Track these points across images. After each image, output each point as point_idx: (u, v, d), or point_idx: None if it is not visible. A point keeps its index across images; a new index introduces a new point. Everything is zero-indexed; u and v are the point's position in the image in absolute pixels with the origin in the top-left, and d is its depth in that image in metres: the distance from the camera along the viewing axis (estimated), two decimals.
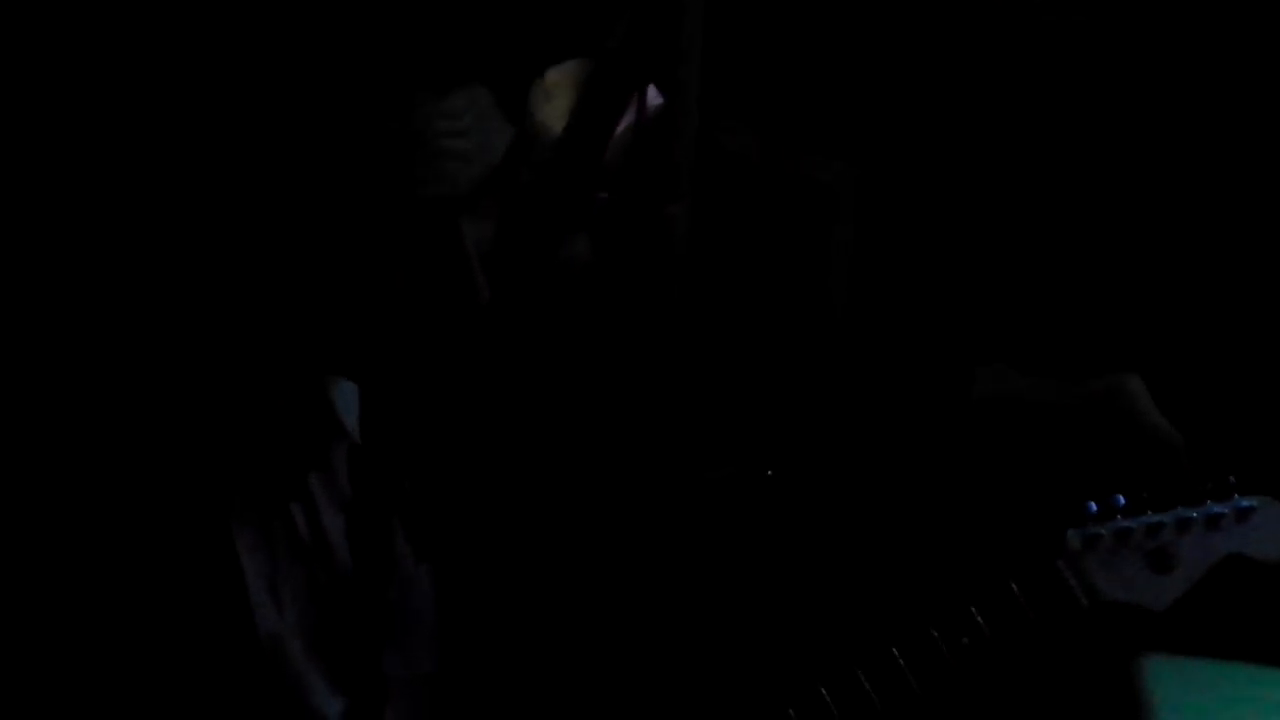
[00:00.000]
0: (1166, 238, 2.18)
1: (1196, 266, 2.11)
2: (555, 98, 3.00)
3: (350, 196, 1.22)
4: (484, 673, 1.51)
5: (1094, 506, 1.53)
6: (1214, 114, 2.14)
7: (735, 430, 1.63)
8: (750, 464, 1.84)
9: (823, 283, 2.64)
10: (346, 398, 1.41)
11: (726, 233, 2.74)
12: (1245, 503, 1.54)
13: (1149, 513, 1.53)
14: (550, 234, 2.78)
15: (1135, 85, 2.22)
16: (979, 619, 1.49)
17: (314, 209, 1.24)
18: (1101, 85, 2.26)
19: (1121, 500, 1.53)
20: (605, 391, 1.60)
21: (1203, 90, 2.16)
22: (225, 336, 1.36)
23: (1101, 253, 2.25)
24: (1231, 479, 1.54)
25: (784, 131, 2.70)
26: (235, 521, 1.36)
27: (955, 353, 1.58)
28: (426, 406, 1.46)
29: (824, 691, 1.48)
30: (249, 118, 1.22)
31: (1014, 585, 1.50)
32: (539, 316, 1.60)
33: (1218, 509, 1.53)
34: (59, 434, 1.32)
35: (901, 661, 1.48)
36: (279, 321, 1.33)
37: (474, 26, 1.23)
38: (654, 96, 2.86)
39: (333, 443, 1.41)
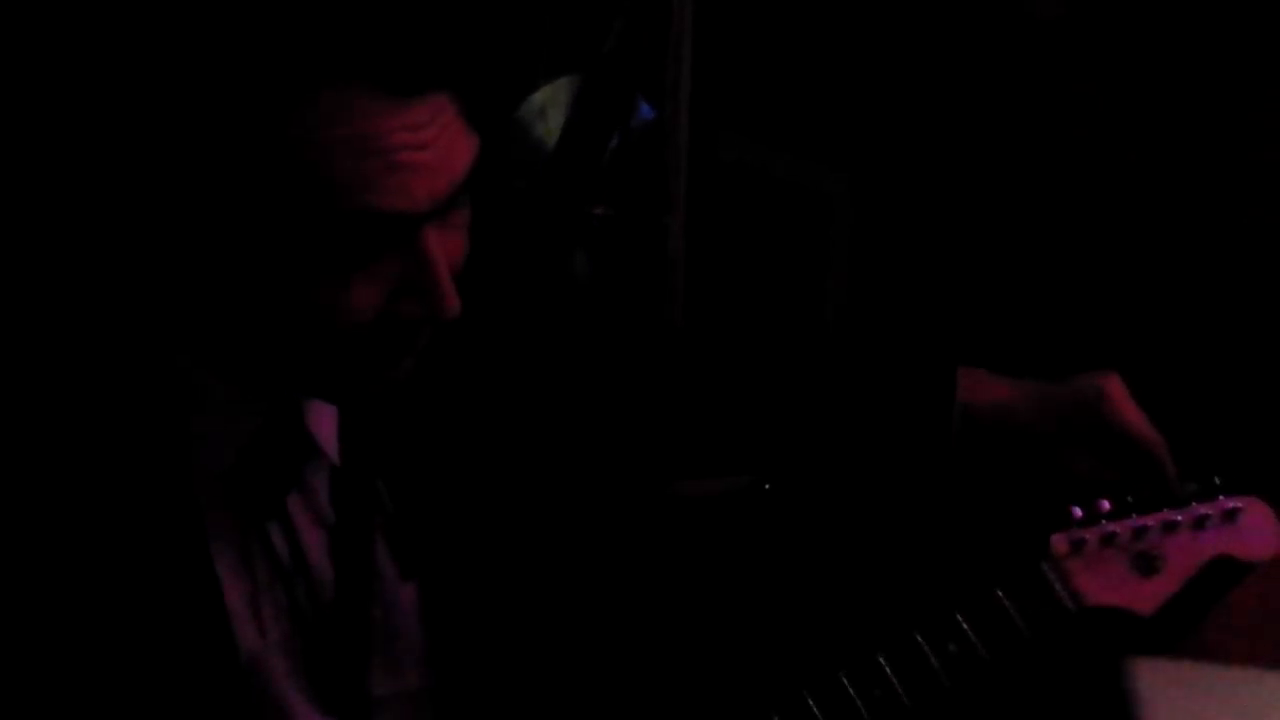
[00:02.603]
0: (1151, 239, 2.18)
1: (1179, 267, 2.11)
2: (549, 113, 3.02)
3: (308, 210, 1.21)
4: (474, 688, 1.49)
5: (1078, 510, 1.52)
6: (1193, 126, 2.13)
7: (732, 442, 1.62)
8: (748, 477, 1.84)
9: (819, 291, 2.65)
10: (320, 418, 1.41)
11: (722, 242, 2.75)
12: (1231, 503, 1.53)
13: (1134, 516, 1.52)
14: (549, 248, 2.80)
15: (1122, 97, 2.22)
16: (964, 625, 1.48)
17: (272, 224, 1.22)
18: (1092, 96, 2.26)
19: (1106, 504, 1.52)
20: (600, 404, 1.59)
21: (1183, 105, 2.15)
22: (190, 353, 1.35)
23: (1085, 252, 2.25)
24: (1217, 480, 1.54)
25: (779, 140, 2.70)
26: (213, 544, 1.35)
27: (945, 358, 1.57)
28: (407, 423, 1.46)
29: (809, 699, 1.47)
30: (200, 124, 1.20)
31: (999, 591, 1.49)
32: (534, 329, 1.61)
33: (1204, 510, 1.53)
34: (19, 447, 1.31)
35: (888, 669, 1.47)
36: (242, 341, 1.32)
37: (438, 32, 1.22)
38: (647, 111, 2.88)
39: (308, 463, 1.39)
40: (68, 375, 1.33)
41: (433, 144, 1.22)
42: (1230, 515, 1.53)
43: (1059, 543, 1.51)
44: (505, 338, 1.57)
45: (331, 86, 1.18)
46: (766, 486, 1.88)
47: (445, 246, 1.27)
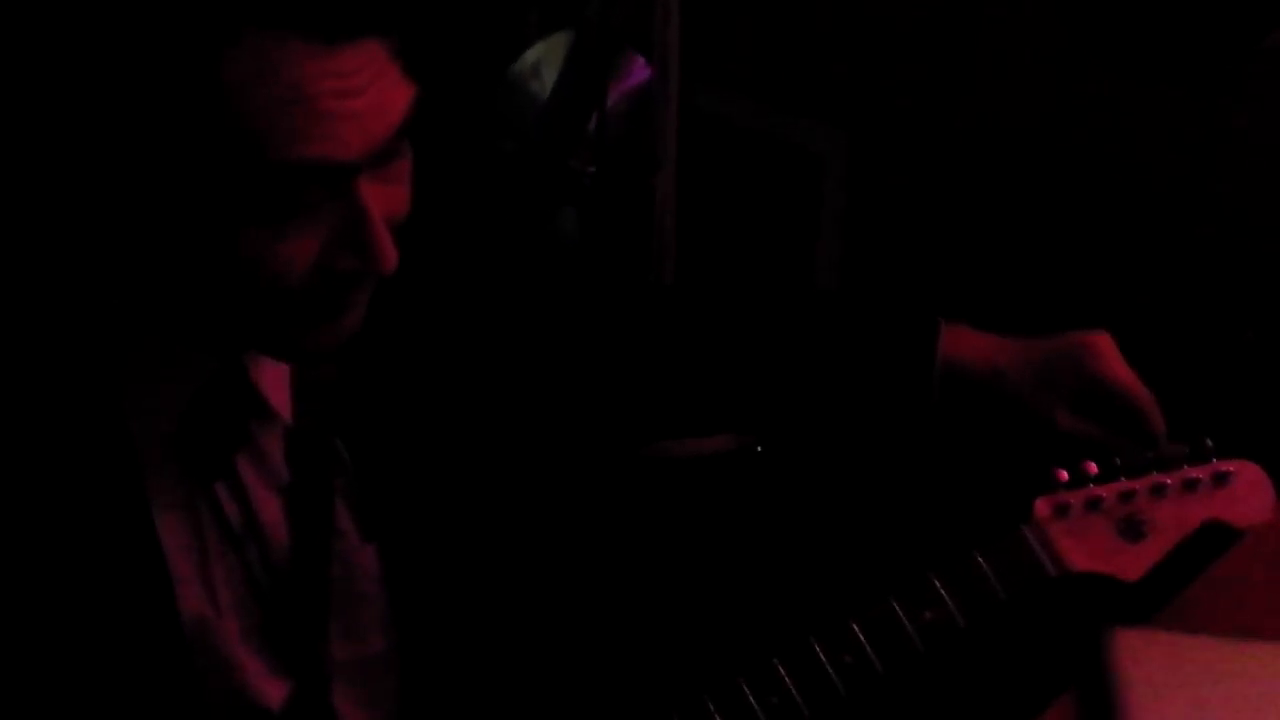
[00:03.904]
0: (1145, 200, 2.14)
1: (1172, 225, 2.07)
2: (543, 70, 2.99)
3: (236, 162, 1.16)
4: (438, 651, 1.46)
5: (1063, 473, 1.47)
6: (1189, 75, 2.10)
7: (718, 401, 1.59)
8: (734, 437, 1.82)
9: (808, 251, 2.61)
10: (271, 377, 1.36)
11: (713, 201, 2.71)
12: (1223, 467, 1.49)
13: (1121, 479, 1.47)
14: (538, 207, 2.77)
15: (1125, 54, 2.18)
16: (942, 591, 1.43)
17: (199, 176, 1.17)
18: (1095, 52, 2.22)
19: (1092, 467, 1.47)
20: (583, 361, 1.56)
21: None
22: (125, 311, 1.30)
23: (1080, 214, 2.21)
24: (1209, 442, 1.49)
25: (772, 97, 2.66)
26: (154, 504, 1.31)
27: (926, 312, 1.53)
28: (368, 380, 1.42)
29: (779, 666, 1.43)
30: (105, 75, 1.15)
31: (978, 555, 1.44)
32: (516, 285, 1.57)
33: (1194, 474, 1.48)
34: None
35: (862, 637, 1.43)
36: (177, 297, 1.27)
37: None
38: (641, 68, 2.84)
39: (257, 422, 1.35)
40: None
41: (364, 91, 1.17)
42: (1221, 479, 1.49)
43: (1042, 506, 1.46)
44: (480, 293, 1.53)
45: (253, 33, 1.14)
46: (759, 449, 1.85)
47: (382, 198, 1.23)
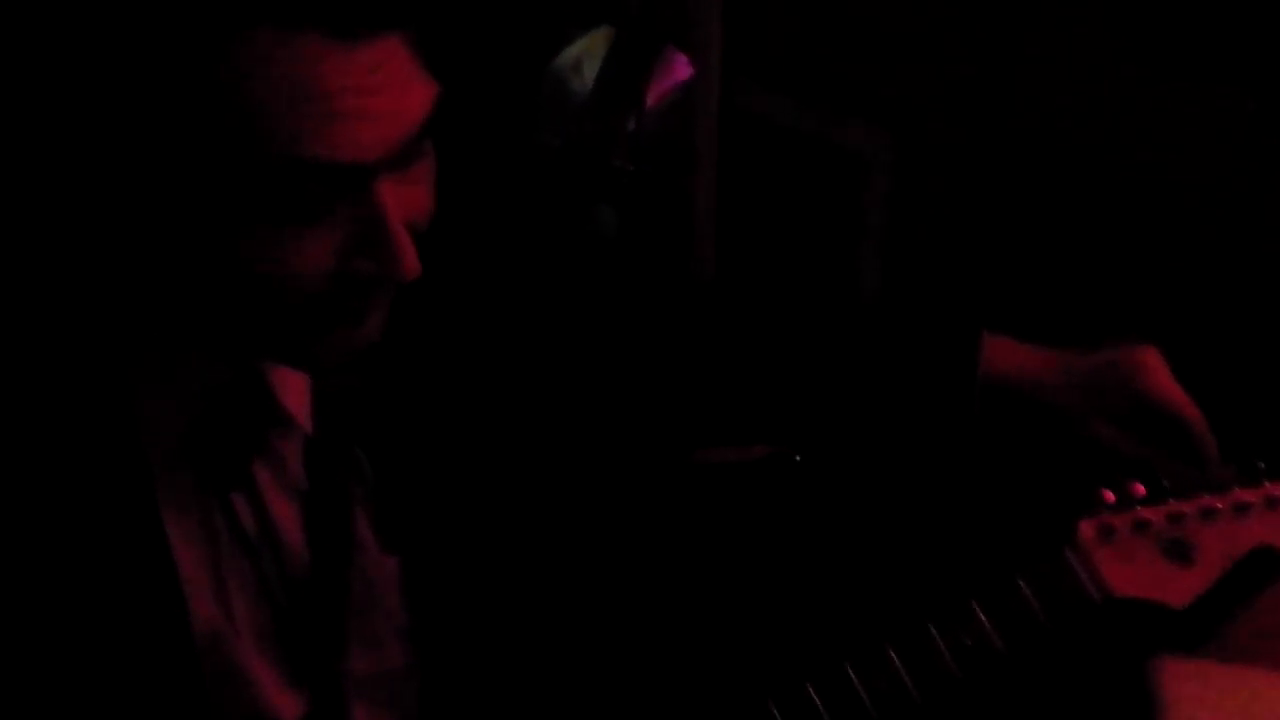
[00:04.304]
0: (1197, 204, 2.09)
1: (1226, 241, 2.02)
2: (585, 65, 2.97)
3: (249, 163, 1.13)
4: (461, 665, 1.43)
5: (1109, 494, 1.42)
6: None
7: (755, 408, 1.55)
8: (768, 446, 1.79)
9: (852, 256, 2.56)
10: (290, 385, 1.33)
11: (753, 202, 2.68)
12: (1276, 490, 1.43)
13: (1169, 500, 1.42)
14: (577, 204, 2.75)
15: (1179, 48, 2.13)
16: (982, 616, 1.39)
17: (212, 177, 1.14)
18: (1147, 51, 2.17)
19: (1139, 488, 1.42)
20: (617, 365, 1.53)
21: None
22: (139, 316, 1.27)
23: (1133, 225, 2.16)
24: (1261, 464, 1.44)
25: (815, 95, 2.61)
26: (166, 513, 1.28)
27: (969, 325, 1.49)
28: (391, 388, 1.38)
29: (812, 691, 1.39)
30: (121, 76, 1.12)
31: (1020, 579, 1.40)
32: (548, 286, 1.54)
33: (1245, 497, 1.42)
34: None
35: (898, 662, 1.38)
36: (192, 302, 1.24)
37: None
38: (682, 66, 2.81)
39: (275, 431, 1.32)
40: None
41: (383, 90, 1.14)
42: (1274, 502, 1.43)
43: (1086, 528, 1.42)
44: (509, 298, 1.50)
45: (266, 27, 1.10)
46: (797, 458, 1.81)
47: (402, 201, 1.19)
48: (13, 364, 1.25)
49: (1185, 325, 1.98)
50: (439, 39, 1.17)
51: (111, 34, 1.12)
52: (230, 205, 1.14)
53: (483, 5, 2.83)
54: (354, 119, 1.13)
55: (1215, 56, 2.08)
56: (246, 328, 1.24)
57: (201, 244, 1.17)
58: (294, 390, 1.33)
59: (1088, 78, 2.24)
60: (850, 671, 1.38)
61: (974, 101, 2.41)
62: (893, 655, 1.39)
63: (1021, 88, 2.34)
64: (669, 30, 2.63)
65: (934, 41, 2.42)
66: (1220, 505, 1.42)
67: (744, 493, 1.83)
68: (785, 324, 1.57)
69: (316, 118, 1.12)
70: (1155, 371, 1.46)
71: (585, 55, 2.97)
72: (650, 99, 2.78)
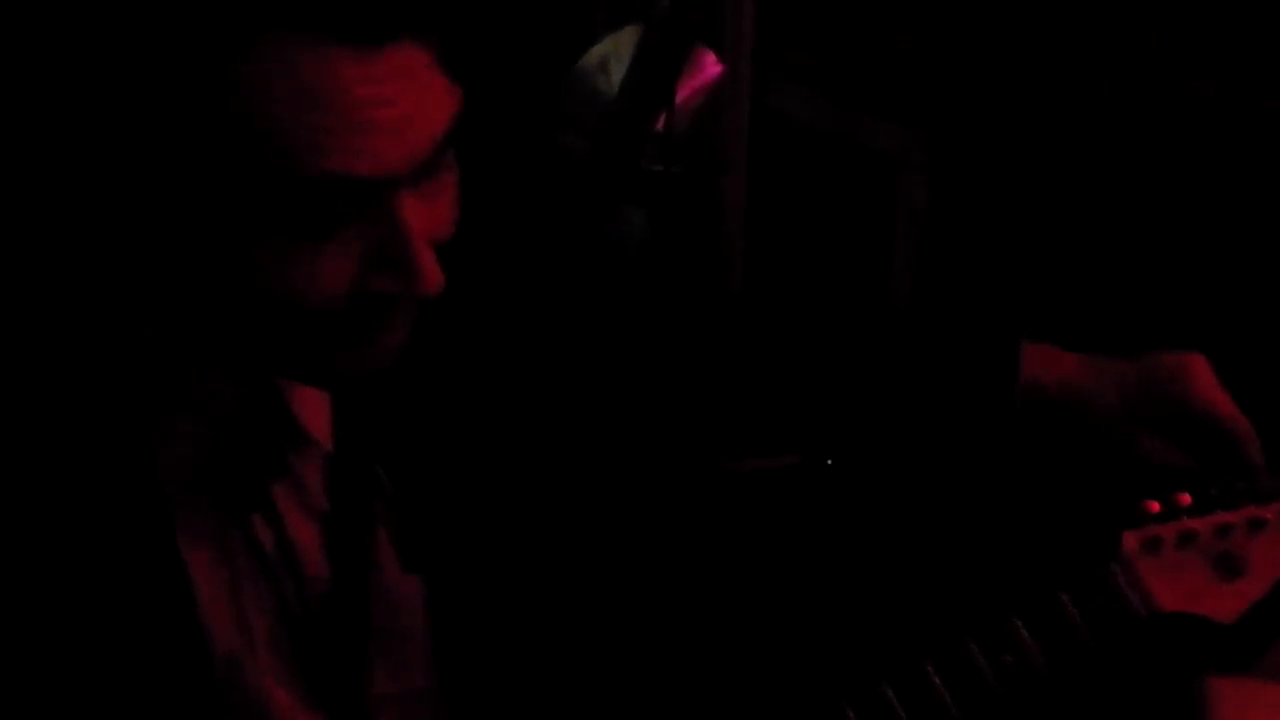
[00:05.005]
0: (1243, 210, 2.06)
1: (1273, 238, 1.99)
2: (611, 65, 2.94)
3: (264, 177, 1.10)
4: (485, 687, 1.41)
5: (1154, 505, 1.39)
6: None
7: (787, 415, 1.53)
8: (801, 456, 1.76)
9: (886, 261, 2.53)
10: (310, 404, 1.30)
11: (784, 205, 2.65)
12: None
13: (1217, 511, 1.38)
14: (605, 207, 2.72)
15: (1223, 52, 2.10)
16: (1023, 632, 1.35)
17: (226, 192, 1.11)
18: (1193, 51, 2.14)
19: (1186, 498, 1.39)
20: (646, 373, 1.50)
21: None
22: (154, 334, 1.24)
23: (1177, 229, 2.13)
24: None
25: (847, 96, 2.58)
26: (182, 534, 1.25)
27: (1009, 332, 1.46)
28: (412, 405, 1.36)
29: (850, 712, 1.35)
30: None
31: (1062, 594, 1.36)
32: (576, 294, 1.52)
33: None
34: None
35: (937, 679, 1.35)
36: (207, 320, 1.22)
37: None
38: (712, 65, 2.78)
39: (294, 451, 1.30)
40: (12, 356, 1.23)
41: (403, 99, 1.10)
42: None
43: (1131, 540, 1.38)
44: (535, 313, 1.47)
45: (278, 34, 1.07)
46: (829, 462, 1.78)
47: (423, 215, 1.16)
48: (28, 385, 1.22)
49: (1232, 332, 1.95)
50: (461, 43, 1.14)
51: (121, 44, 1.09)
52: (245, 220, 1.12)
53: (506, 5, 2.80)
54: (373, 130, 1.09)
55: (1265, 59, 2.05)
56: (263, 346, 1.21)
57: (216, 260, 1.14)
58: (314, 409, 1.31)
59: (1127, 77, 2.22)
60: (888, 690, 1.35)
61: (1008, 101, 2.39)
62: (931, 672, 1.35)
63: (1057, 87, 2.31)
64: (699, 28, 2.60)
65: (968, 40, 2.40)
66: (1269, 517, 1.39)
67: (776, 500, 1.81)
68: (817, 330, 1.54)
69: (333, 129, 1.08)
70: (1201, 379, 1.42)
71: (611, 55, 2.93)
72: (680, 98, 2.74)
